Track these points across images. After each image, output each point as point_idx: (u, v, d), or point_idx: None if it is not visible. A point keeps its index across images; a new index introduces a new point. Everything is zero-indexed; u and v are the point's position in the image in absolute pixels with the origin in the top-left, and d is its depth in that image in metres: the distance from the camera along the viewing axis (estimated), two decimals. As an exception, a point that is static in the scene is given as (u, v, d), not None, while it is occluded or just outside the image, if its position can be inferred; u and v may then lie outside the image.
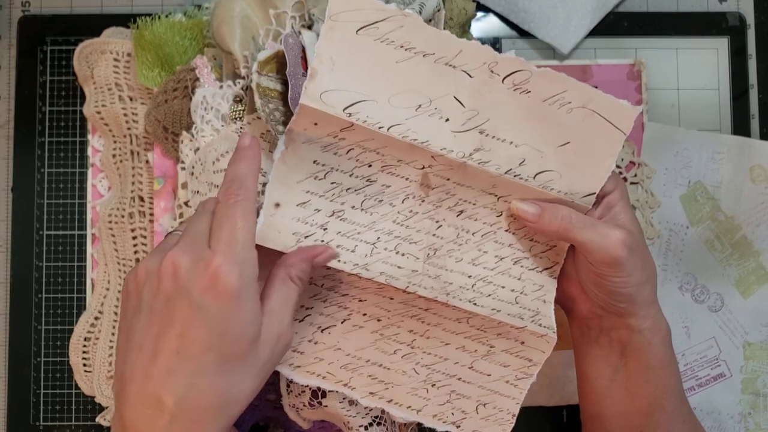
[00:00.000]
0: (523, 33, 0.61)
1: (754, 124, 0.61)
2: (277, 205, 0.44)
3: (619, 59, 0.60)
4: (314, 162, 0.44)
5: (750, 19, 0.61)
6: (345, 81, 0.42)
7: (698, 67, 0.61)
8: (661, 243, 0.60)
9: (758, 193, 0.60)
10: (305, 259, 0.42)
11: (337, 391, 0.48)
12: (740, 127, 0.61)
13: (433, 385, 0.48)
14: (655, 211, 0.60)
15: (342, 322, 0.47)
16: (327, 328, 0.47)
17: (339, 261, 0.44)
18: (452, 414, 0.49)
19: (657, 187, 0.60)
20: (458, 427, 0.49)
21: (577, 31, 0.60)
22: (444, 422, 0.49)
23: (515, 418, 0.49)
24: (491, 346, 0.48)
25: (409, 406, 0.48)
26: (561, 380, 0.58)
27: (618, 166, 0.59)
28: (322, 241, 0.44)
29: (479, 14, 0.61)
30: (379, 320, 0.47)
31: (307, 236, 0.44)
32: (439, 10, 0.51)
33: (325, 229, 0.44)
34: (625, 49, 0.61)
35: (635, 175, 0.59)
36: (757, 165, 0.60)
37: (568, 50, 0.60)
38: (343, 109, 0.42)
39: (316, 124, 0.43)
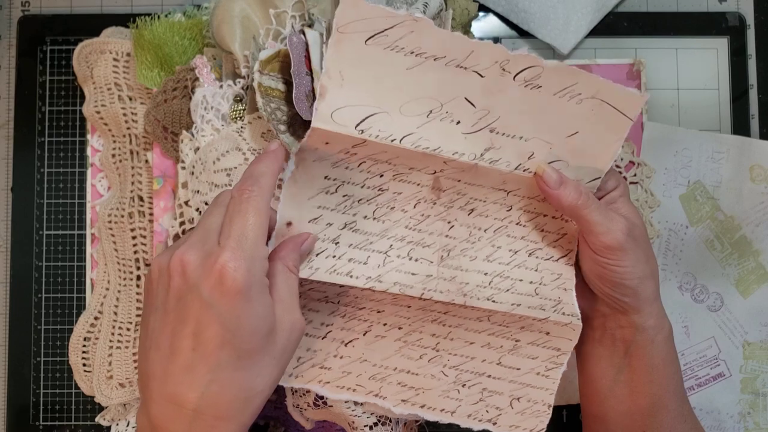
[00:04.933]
0: (523, 33, 0.61)
1: (754, 124, 0.61)
2: (289, 224, 0.43)
3: (619, 59, 0.60)
4: (325, 177, 0.44)
5: (750, 19, 0.61)
6: (355, 95, 0.41)
7: (698, 67, 0.61)
8: (661, 243, 0.60)
9: (758, 193, 0.60)
10: (294, 249, 0.42)
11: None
12: (740, 127, 0.61)
13: (464, 385, 0.48)
14: (655, 211, 0.60)
15: (364, 334, 0.47)
16: (350, 341, 0.47)
17: (351, 276, 0.44)
18: (487, 412, 0.48)
19: (657, 187, 0.60)
20: (495, 424, 0.49)
21: (576, 31, 0.60)
22: (480, 421, 0.48)
23: (551, 408, 0.49)
24: (516, 341, 0.48)
25: (443, 409, 0.48)
26: (561, 380, 0.58)
27: (618, 166, 0.59)
28: (334, 256, 0.44)
29: (479, 14, 0.61)
30: (400, 328, 0.47)
31: (319, 253, 0.44)
32: (442, 10, 0.51)
33: (337, 243, 0.44)
34: (625, 49, 0.61)
35: (635, 175, 0.59)
36: (756, 164, 0.60)
37: (568, 50, 0.60)
38: (355, 126, 0.42)
39: (327, 143, 0.42)
